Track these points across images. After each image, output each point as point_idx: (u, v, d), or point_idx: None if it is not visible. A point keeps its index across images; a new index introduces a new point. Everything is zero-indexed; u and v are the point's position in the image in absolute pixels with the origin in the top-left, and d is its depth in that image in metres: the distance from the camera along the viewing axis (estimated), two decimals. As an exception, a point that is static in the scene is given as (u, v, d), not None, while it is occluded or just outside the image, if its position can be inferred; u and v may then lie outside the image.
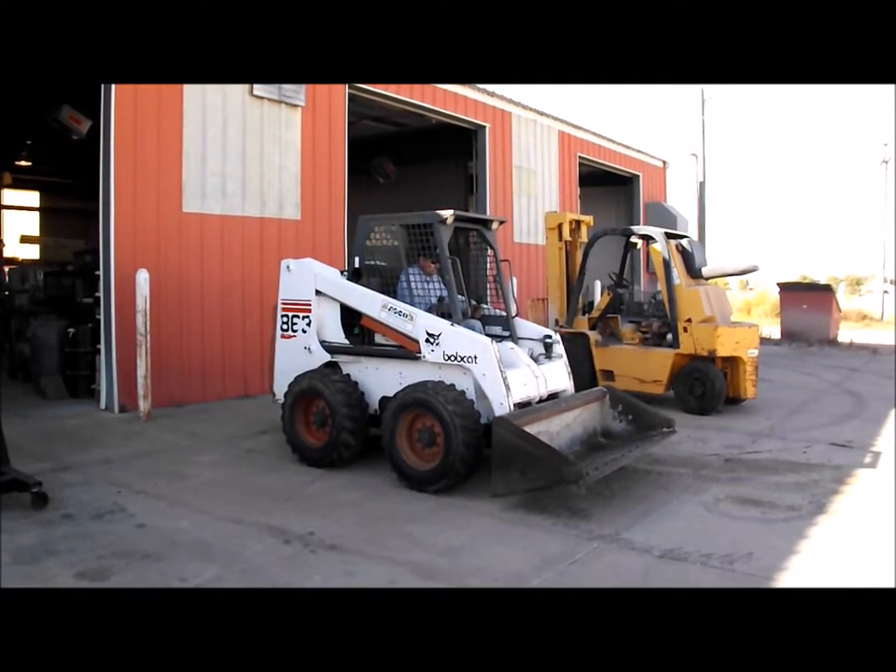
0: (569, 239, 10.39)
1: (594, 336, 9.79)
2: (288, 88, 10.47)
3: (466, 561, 4.42)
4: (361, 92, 11.81)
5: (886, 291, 30.64)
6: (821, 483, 6.04)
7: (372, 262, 6.87)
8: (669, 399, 9.23)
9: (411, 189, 18.31)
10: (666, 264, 9.29)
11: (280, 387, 6.83)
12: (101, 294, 8.84)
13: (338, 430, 6.22)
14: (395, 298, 6.40)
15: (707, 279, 9.74)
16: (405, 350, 6.17)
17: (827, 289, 19.44)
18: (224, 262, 9.80)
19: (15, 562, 4.23)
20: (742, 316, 25.52)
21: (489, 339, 5.93)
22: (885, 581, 4.02)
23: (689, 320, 9.05)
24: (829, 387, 11.37)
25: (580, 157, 18.31)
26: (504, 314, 6.92)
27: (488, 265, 7.12)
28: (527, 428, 5.32)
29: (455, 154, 17.68)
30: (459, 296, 6.34)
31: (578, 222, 10.60)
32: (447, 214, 6.23)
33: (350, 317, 6.65)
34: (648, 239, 10.02)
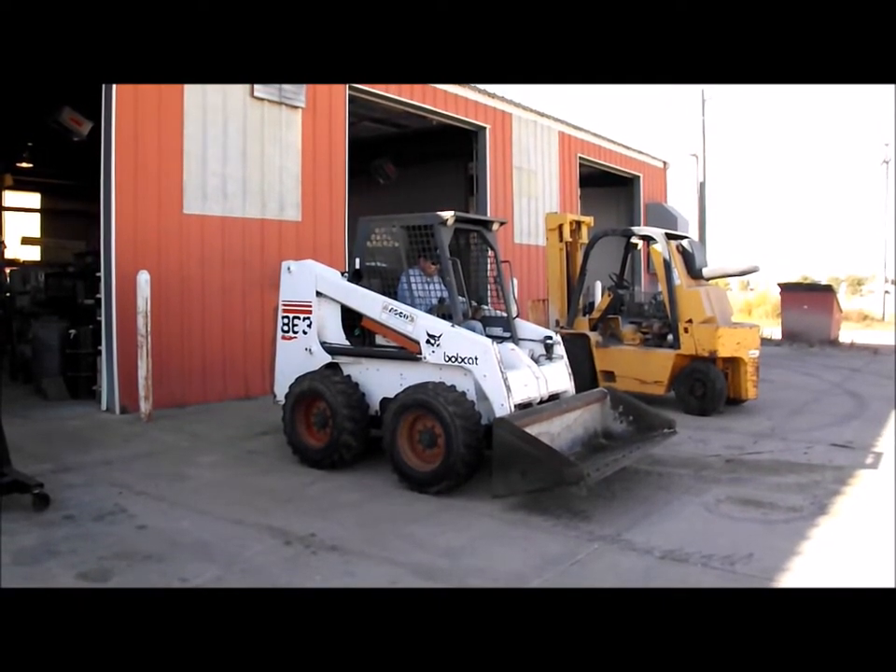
0: (570, 240, 10.39)
1: (594, 337, 9.78)
2: (289, 89, 10.48)
3: (466, 562, 4.42)
4: (361, 94, 11.82)
5: (887, 291, 30.60)
6: (822, 484, 6.04)
7: (373, 264, 6.87)
8: (670, 399, 9.22)
9: (411, 190, 18.32)
10: (667, 265, 9.28)
11: (281, 388, 6.84)
12: (102, 295, 8.85)
13: (339, 431, 6.23)
14: (395, 299, 6.40)
15: (708, 280, 9.74)
16: (406, 351, 6.17)
17: (828, 290, 19.43)
18: (225, 264, 9.80)
19: (16, 563, 4.23)
20: (743, 317, 25.52)
21: (490, 340, 5.93)
22: (885, 581, 4.02)
23: (690, 321, 9.04)
24: (830, 388, 11.37)
25: (580, 157, 18.32)
26: (505, 315, 6.92)
27: (489, 266, 7.12)
28: (528, 430, 5.31)
29: (455, 155, 17.69)
30: (460, 297, 6.34)
31: (578, 223, 10.60)
32: (448, 215, 6.24)
33: (351, 319, 6.65)
34: (648, 240, 10.02)
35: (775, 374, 12.14)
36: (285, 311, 6.90)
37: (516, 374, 5.93)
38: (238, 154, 9.93)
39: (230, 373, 9.87)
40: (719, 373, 8.89)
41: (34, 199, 22.66)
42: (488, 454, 5.50)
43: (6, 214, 21.65)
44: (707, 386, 8.82)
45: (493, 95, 14.87)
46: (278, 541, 4.71)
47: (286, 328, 6.89)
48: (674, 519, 5.21)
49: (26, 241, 20.88)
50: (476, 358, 5.80)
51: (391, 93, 12.27)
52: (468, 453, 5.53)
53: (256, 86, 10.04)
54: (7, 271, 14.20)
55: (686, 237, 10.16)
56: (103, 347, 8.89)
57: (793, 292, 19.05)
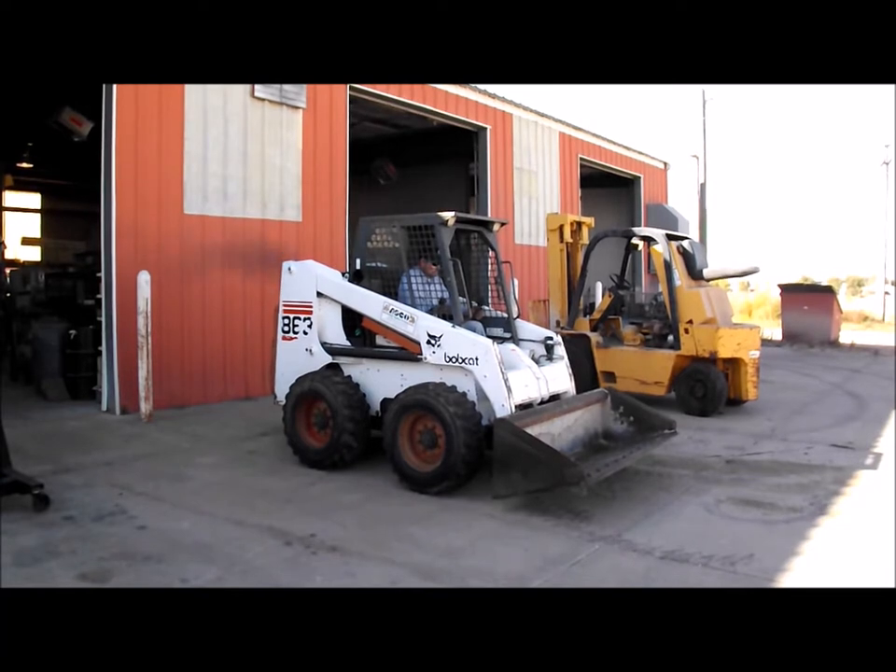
0: (570, 240, 10.40)
1: (595, 337, 9.78)
2: (289, 89, 10.48)
3: (467, 562, 4.42)
4: (362, 94, 11.83)
5: (887, 292, 30.61)
6: (823, 485, 6.04)
7: (374, 264, 6.87)
8: (670, 400, 9.22)
9: (412, 190, 18.32)
10: (668, 266, 9.29)
11: (281, 389, 6.84)
12: (102, 296, 8.85)
13: (339, 432, 6.22)
14: (396, 299, 6.40)
15: (709, 280, 9.74)
16: (406, 352, 6.17)
17: (828, 291, 19.44)
18: (225, 264, 9.80)
19: (16, 563, 4.23)
20: (743, 318, 25.54)
21: (490, 340, 5.93)
22: (885, 581, 4.02)
23: (690, 322, 9.04)
24: (830, 389, 11.36)
25: (581, 158, 18.32)
26: (505, 315, 6.93)
27: (489, 267, 7.13)
28: (529, 430, 5.31)
29: (455, 156, 17.69)
30: (460, 297, 6.34)
31: (579, 224, 10.61)
32: (448, 215, 6.24)
33: (351, 319, 6.65)
34: (649, 240, 10.02)
35: (775, 375, 12.14)
36: (285, 311, 6.90)
37: (517, 375, 5.93)
38: (239, 154, 9.93)
39: (230, 374, 9.87)
40: (719, 374, 8.88)
41: (34, 199, 22.67)
42: (489, 454, 5.50)
43: (6, 214, 21.65)
44: (708, 387, 8.82)
45: (493, 96, 14.87)
46: (279, 542, 4.71)
47: (286, 328, 6.89)
48: (674, 519, 5.21)
49: (26, 241, 20.89)
50: (477, 359, 5.80)
51: (392, 94, 12.28)
52: (468, 453, 5.52)
53: (256, 86, 10.04)
54: (8, 271, 14.19)
55: (686, 238, 10.17)
56: (103, 348, 8.89)
57: (794, 293, 19.05)
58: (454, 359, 5.88)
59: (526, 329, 6.95)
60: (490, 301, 7.38)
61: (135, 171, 8.77)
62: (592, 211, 15.64)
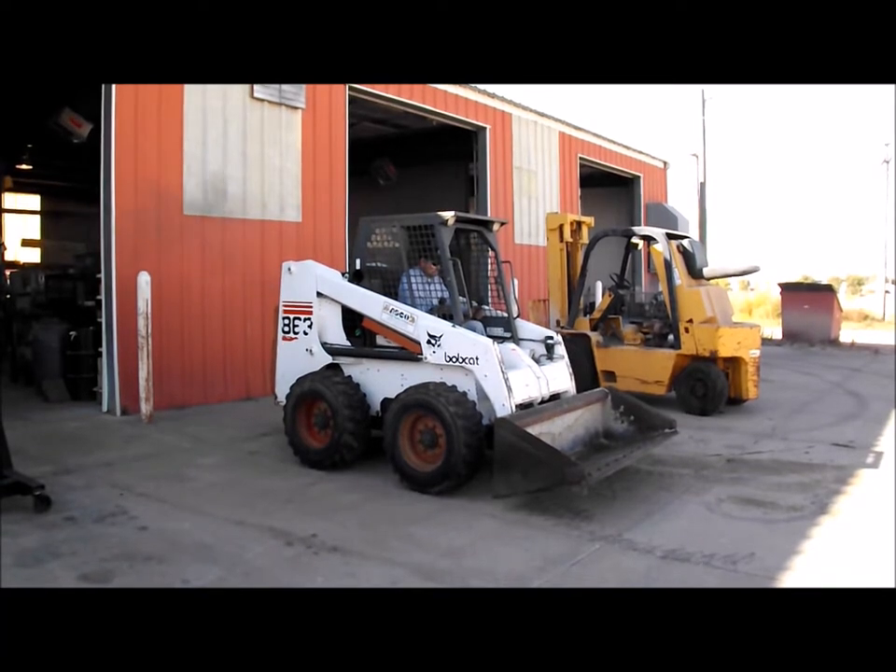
0: (570, 240, 10.40)
1: (595, 337, 9.78)
2: (289, 90, 10.48)
3: (468, 562, 4.42)
4: (361, 94, 11.83)
5: (887, 291, 30.61)
6: (823, 484, 6.04)
7: (374, 264, 6.87)
8: (671, 399, 9.22)
9: (411, 190, 18.32)
10: (668, 265, 9.29)
11: (282, 389, 6.84)
12: (102, 297, 8.85)
13: (340, 432, 6.23)
14: (396, 299, 6.40)
15: (709, 280, 9.74)
16: (407, 352, 6.17)
17: (828, 289, 19.43)
18: (225, 265, 9.81)
19: (17, 564, 4.23)
20: (743, 317, 25.52)
21: (491, 340, 5.93)
22: (885, 581, 4.02)
23: (690, 321, 9.04)
24: (830, 388, 11.36)
25: (580, 158, 18.32)
26: (505, 315, 6.93)
27: (489, 266, 7.13)
28: (529, 429, 5.31)
29: (455, 155, 17.69)
30: (460, 297, 6.34)
31: (579, 223, 10.60)
32: (448, 215, 6.24)
33: (351, 319, 6.65)
34: (649, 240, 10.02)
35: (775, 374, 12.14)
36: (285, 312, 6.91)
37: (517, 374, 5.93)
38: (238, 155, 9.93)
39: (230, 374, 9.88)
40: (719, 373, 8.88)
41: (34, 201, 22.66)
42: (489, 454, 5.50)
43: (6, 216, 21.65)
44: (708, 386, 8.82)
45: (493, 95, 14.87)
46: (280, 542, 4.71)
47: (286, 328, 6.89)
48: (675, 519, 5.21)
49: (26, 243, 20.90)
50: (477, 359, 5.80)
51: (391, 94, 12.27)
52: (469, 453, 5.53)
53: (255, 87, 10.05)
54: (8, 273, 14.20)
55: (686, 237, 10.17)
56: (103, 349, 8.89)
57: (794, 292, 19.06)
58: (454, 359, 5.88)
59: (527, 328, 6.95)
60: (490, 300, 7.39)
61: (135, 172, 8.77)
62: (591, 210, 15.66)
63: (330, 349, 6.65)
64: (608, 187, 21.51)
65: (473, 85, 13.96)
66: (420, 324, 6.06)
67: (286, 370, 6.84)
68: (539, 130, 16.64)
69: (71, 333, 9.68)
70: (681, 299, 9.17)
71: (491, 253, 6.98)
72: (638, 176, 21.42)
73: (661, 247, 9.42)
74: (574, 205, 17.90)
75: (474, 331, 6.15)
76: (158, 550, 4.53)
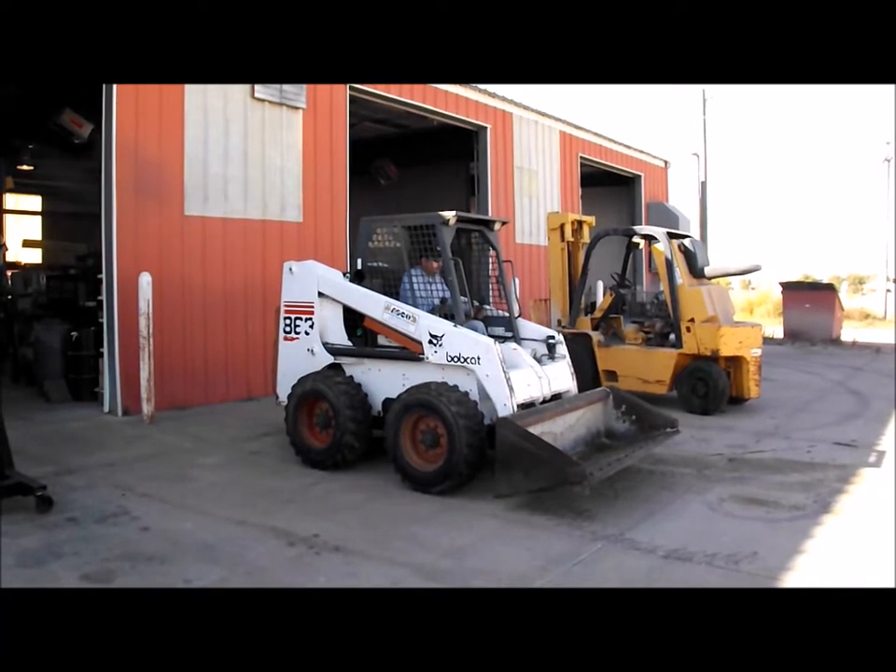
0: (571, 239, 10.39)
1: (596, 336, 9.78)
2: (290, 90, 10.48)
3: (470, 562, 4.42)
4: (362, 94, 11.82)
5: (888, 290, 30.57)
6: (826, 483, 6.04)
7: (375, 264, 6.87)
8: (672, 399, 9.22)
9: (412, 190, 18.31)
10: (669, 264, 9.28)
11: (283, 389, 6.84)
12: (103, 297, 8.85)
13: (341, 432, 6.23)
14: (397, 299, 6.40)
15: (710, 279, 9.73)
16: (408, 351, 6.17)
17: (830, 288, 19.42)
18: (226, 265, 9.81)
19: (19, 565, 4.23)
20: (745, 316, 25.51)
21: (492, 340, 5.93)
22: (885, 581, 4.02)
23: (692, 320, 9.04)
24: (832, 387, 11.36)
25: (581, 157, 18.31)
26: (507, 314, 6.92)
27: (490, 266, 7.13)
28: (531, 429, 5.31)
29: (456, 155, 17.67)
30: (462, 297, 6.34)
31: (580, 222, 10.60)
32: (449, 215, 6.24)
33: (353, 319, 6.65)
34: (650, 239, 10.02)
35: (777, 373, 12.14)
36: (287, 312, 6.91)
37: (519, 374, 5.93)
38: (239, 155, 9.93)
39: (232, 375, 9.88)
40: (721, 372, 8.88)
41: (35, 201, 22.65)
42: (491, 453, 5.50)
43: (7, 217, 21.65)
44: (710, 385, 8.82)
45: (494, 95, 14.87)
46: (281, 542, 4.71)
47: (288, 328, 6.89)
48: (677, 518, 5.21)
49: (27, 243, 20.89)
50: (478, 358, 5.80)
51: (392, 94, 12.27)
52: (470, 453, 5.53)
53: (256, 87, 10.05)
54: (9, 273, 14.20)
55: (688, 236, 10.16)
56: (104, 349, 8.90)
57: (795, 291, 19.05)
58: (455, 359, 5.88)
59: (528, 328, 6.95)
60: (491, 300, 7.38)
61: (136, 172, 8.77)
62: (592, 210, 15.64)
63: (332, 349, 6.65)
64: (608, 186, 21.48)
65: (474, 85, 13.95)
66: (421, 324, 6.06)
67: (287, 370, 6.85)
68: (540, 129, 16.63)
69: (72, 334, 9.68)
70: (683, 298, 9.16)
71: (492, 252, 6.98)
72: (639, 176, 21.40)
73: (662, 247, 9.42)
74: (575, 205, 17.89)
75: (476, 331, 6.15)
76: (160, 550, 4.54)
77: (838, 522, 5.13)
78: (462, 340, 5.89)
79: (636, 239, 10.68)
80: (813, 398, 10.32)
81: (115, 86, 8.43)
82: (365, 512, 5.34)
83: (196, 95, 9.34)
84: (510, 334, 6.79)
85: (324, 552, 4.56)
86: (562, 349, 6.70)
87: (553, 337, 6.73)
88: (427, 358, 6.01)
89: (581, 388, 6.81)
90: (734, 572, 4.23)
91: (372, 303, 6.40)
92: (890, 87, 24.50)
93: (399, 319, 6.18)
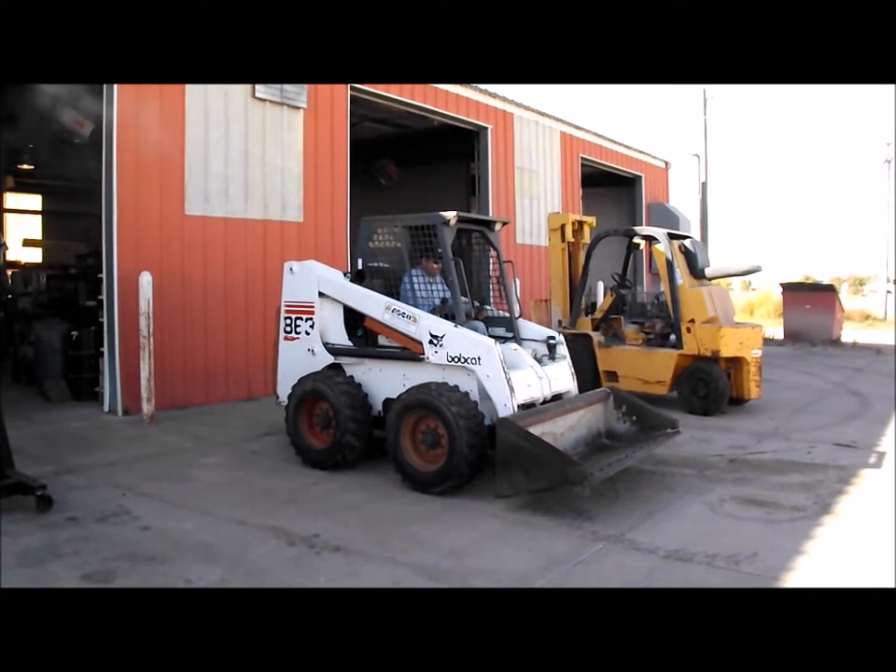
0: (572, 240, 10.39)
1: (597, 337, 9.78)
2: (290, 90, 10.49)
3: (470, 562, 4.42)
4: (363, 94, 11.82)
5: (889, 291, 30.55)
6: (826, 484, 6.04)
7: (375, 264, 6.87)
8: (673, 399, 9.22)
9: (413, 190, 18.30)
10: (669, 265, 9.28)
11: (284, 389, 6.84)
12: (104, 297, 8.85)
13: (342, 432, 6.23)
14: (398, 299, 6.40)
15: (711, 280, 9.73)
16: (409, 352, 6.17)
17: (830, 289, 19.42)
18: (227, 265, 9.81)
19: (20, 564, 4.23)
20: (745, 317, 25.52)
21: (493, 340, 5.93)
22: (885, 581, 4.01)
23: (692, 321, 9.03)
24: (832, 388, 11.36)
25: (582, 158, 18.31)
26: (507, 315, 6.92)
27: (491, 266, 7.13)
28: (531, 430, 5.31)
29: (457, 155, 17.68)
30: (462, 297, 6.34)
31: (580, 223, 10.60)
32: (450, 215, 6.23)
33: (353, 319, 6.65)
34: (651, 240, 10.01)
35: (777, 374, 12.13)
36: (287, 311, 6.91)
37: (519, 374, 5.93)
38: (240, 155, 9.93)
39: (232, 375, 9.88)
40: (721, 373, 8.88)
41: (35, 201, 22.65)
42: (491, 454, 5.50)
43: (7, 216, 21.64)
44: (710, 386, 8.82)
45: (494, 95, 14.87)
46: (282, 542, 4.71)
47: (288, 328, 6.89)
48: (678, 519, 5.21)
49: (28, 243, 20.89)
50: (479, 359, 5.79)
51: (393, 94, 12.27)
52: (471, 453, 5.52)
53: (257, 87, 10.05)
54: (9, 273, 14.21)
55: (688, 237, 10.16)
56: (105, 349, 8.90)
57: (795, 292, 19.05)
58: (456, 359, 5.88)
59: (528, 328, 6.95)
60: (492, 300, 7.38)
61: (136, 172, 8.77)
62: (593, 210, 15.64)
63: (332, 349, 6.65)
64: (609, 187, 21.48)
65: (475, 85, 13.95)
66: (422, 324, 6.06)
67: (287, 370, 6.84)
68: (541, 130, 16.63)
69: (72, 333, 9.68)
70: (683, 299, 9.16)
71: (493, 253, 6.98)
72: (640, 176, 21.40)
73: (663, 247, 9.42)
74: (576, 205, 17.89)
75: (476, 331, 6.14)
76: (160, 550, 4.54)
77: (838, 522, 5.13)
78: (463, 340, 5.89)
79: (636, 240, 10.68)
80: (813, 398, 10.32)
81: (116, 86, 8.43)
82: (365, 512, 5.34)
83: (197, 95, 9.34)
84: (510, 335, 6.79)
85: (324, 551, 4.55)
86: (562, 350, 6.70)
87: (553, 337, 6.73)
88: (428, 359, 6.01)
89: (582, 389, 6.81)
90: (734, 573, 4.23)
91: (373, 303, 6.40)
92: (890, 87, 24.50)
93: (400, 319, 6.18)
